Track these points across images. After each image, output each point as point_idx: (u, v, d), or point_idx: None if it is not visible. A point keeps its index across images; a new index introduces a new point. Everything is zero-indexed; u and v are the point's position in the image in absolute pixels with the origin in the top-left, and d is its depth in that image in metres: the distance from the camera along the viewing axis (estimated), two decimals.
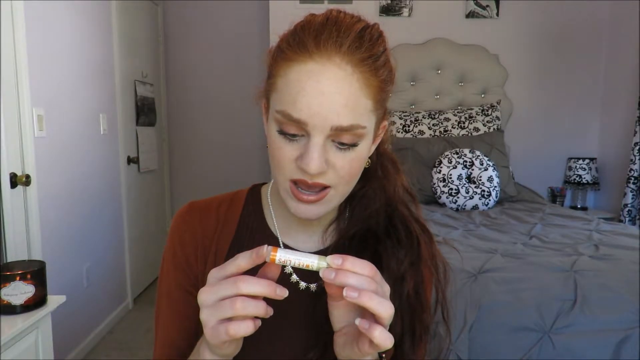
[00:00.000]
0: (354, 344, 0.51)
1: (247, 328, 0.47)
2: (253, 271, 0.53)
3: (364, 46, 0.54)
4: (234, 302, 0.47)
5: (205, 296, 0.48)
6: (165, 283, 0.69)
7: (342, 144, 0.55)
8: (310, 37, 0.53)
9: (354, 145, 0.55)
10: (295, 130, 0.54)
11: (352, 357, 0.52)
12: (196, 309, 0.66)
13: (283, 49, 0.55)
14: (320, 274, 0.48)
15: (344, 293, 0.46)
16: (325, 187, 0.56)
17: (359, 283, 0.47)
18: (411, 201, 0.68)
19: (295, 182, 0.56)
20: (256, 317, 0.48)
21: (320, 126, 0.53)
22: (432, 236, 0.67)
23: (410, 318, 0.61)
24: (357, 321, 0.48)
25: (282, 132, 0.55)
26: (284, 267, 0.50)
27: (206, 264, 0.67)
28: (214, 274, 0.50)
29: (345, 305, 0.52)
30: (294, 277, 0.64)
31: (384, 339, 0.47)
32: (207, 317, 0.48)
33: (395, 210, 0.66)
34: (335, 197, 0.58)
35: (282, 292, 0.48)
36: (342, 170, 0.56)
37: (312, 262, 0.48)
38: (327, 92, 0.52)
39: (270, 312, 0.49)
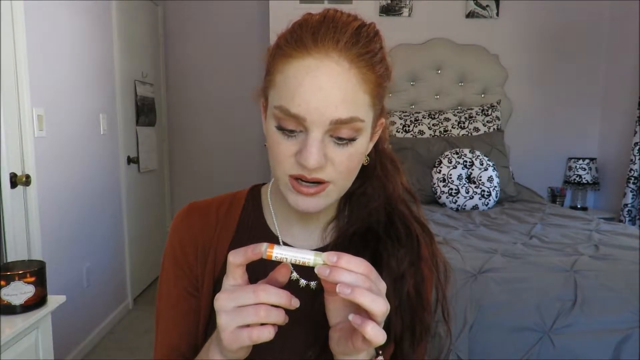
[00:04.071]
0: (348, 339, 0.52)
1: (269, 334, 0.48)
2: (262, 274, 0.53)
3: (360, 42, 0.54)
4: (258, 309, 0.48)
5: (223, 302, 0.49)
6: (165, 284, 0.69)
7: (341, 138, 0.55)
8: (308, 34, 0.54)
9: (352, 140, 0.56)
10: (293, 125, 0.55)
11: (347, 352, 0.53)
12: (197, 310, 0.67)
13: (281, 46, 0.56)
14: (316, 271, 0.49)
15: (337, 289, 0.47)
16: (324, 182, 0.57)
17: (352, 280, 0.48)
18: (412, 200, 0.68)
19: (294, 178, 0.57)
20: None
21: (318, 121, 0.53)
22: (433, 235, 0.67)
23: (410, 317, 0.61)
24: (351, 316, 0.48)
25: (280, 128, 0.56)
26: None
27: (206, 264, 0.67)
28: (226, 281, 0.51)
29: (341, 301, 0.52)
30: (294, 275, 0.65)
31: (376, 335, 0.47)
32: (227, 322, 0.48)
33: (395, 209, 0.66)
34: (334, 191, 0.59)
35: (295, 303, 0.49)
36: (341, 165, 0.56)
37: (308, 258, 0.49)
38: (325, 87, 0.53)
39: (287, 319, 0.49)
